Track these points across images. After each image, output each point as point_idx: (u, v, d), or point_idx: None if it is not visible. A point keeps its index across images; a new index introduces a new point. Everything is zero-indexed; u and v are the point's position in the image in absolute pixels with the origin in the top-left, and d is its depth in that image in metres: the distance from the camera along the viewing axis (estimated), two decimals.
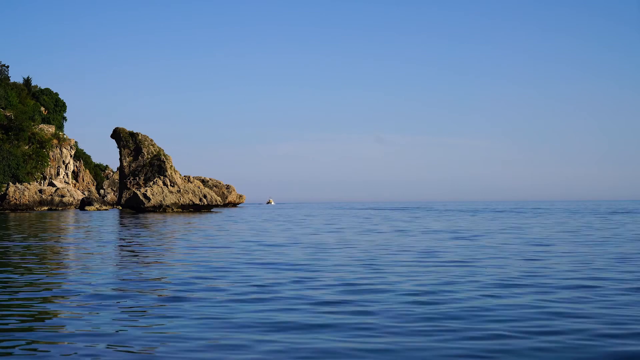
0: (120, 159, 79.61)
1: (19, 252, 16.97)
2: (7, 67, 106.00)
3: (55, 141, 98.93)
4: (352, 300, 8.94)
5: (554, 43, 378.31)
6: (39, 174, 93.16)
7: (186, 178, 76.59)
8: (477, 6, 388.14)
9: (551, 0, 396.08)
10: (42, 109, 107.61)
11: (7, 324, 7.46)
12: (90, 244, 20.16)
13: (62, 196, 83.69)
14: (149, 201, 69.19)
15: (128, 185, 77.28)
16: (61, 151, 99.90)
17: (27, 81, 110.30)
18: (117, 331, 7.08)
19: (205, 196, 73.04)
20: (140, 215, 55.67)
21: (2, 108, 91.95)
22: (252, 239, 22.23)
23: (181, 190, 72.36)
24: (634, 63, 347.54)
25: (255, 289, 9.98)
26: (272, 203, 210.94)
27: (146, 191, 70.03)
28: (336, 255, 15.77)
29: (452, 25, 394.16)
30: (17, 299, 9.15)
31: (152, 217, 47.67)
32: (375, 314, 7.93)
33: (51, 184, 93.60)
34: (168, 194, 70.90)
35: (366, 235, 24.66)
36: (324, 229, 29.55)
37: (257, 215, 56.15)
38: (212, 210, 75.09)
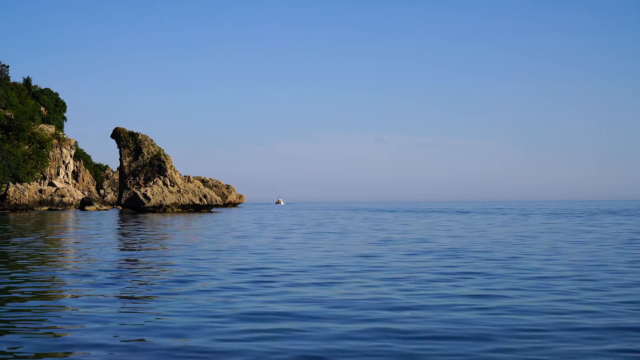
0: (120, 159, 79.60)
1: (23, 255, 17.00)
2: (7, 67, 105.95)
3: (55, 141, 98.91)
4: None
5: (554, 43, 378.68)
6: (39, 174, 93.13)
7: (186, 178, 76.60)
8: (477, 6, 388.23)
9: (551, 0, 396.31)
10: (42, 109, 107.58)
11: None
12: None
13: (62, 196, 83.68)
14: (149, 201, 69.20)
15: (128, 185, 77.28)
16: (61, 151, 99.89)
17: (27, 81, 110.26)
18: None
19: (205, 196, 73.04)
20: (142, 215, 55.71)
21: (2, 108, 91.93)
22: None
23: (181, 190, 72.38)
24: (634, 63, 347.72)
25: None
26: (282, 203, 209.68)
27: (146, 191, 70.04)
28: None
29: (452, 25, 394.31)
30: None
31: (162, 218, 47.68)
32: None
33: (51, 184, 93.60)
34: (168, 194, 70.92)
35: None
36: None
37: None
38: (212, 210, 75.10)
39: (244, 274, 11.83)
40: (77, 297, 9.31)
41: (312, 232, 27.35)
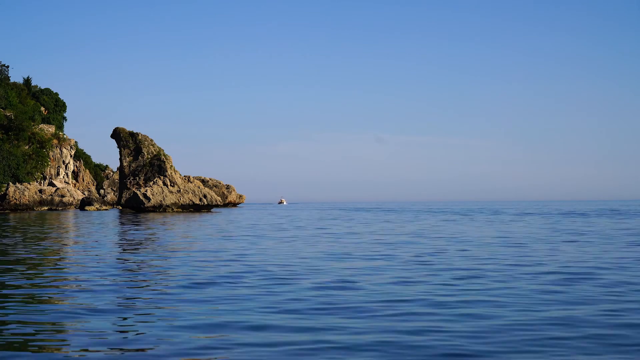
0: (120, 159, 79.58)
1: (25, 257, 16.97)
2: (7, 67, 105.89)
3: (55, 141, 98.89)
4: None
5: (554, 43, 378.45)
6: (39, 174, 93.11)
7: (186, 178, 76.59)
8: (477, 6, 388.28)
9: (551, 0, 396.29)
10: (42, 109, 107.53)
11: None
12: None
13: (62, 196, 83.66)
14: (149, 201, 69.19)
15: (128, 185, 77.26)
16: (61, 151, 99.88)
17: (27, 81, 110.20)
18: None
19: (205, 196, 73.03)
20: (142, 215, 55.70)
21: (2, 108, 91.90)
22: None
23: (181, 190, 72.36)
24: (634, 63, 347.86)
25: None
26: (285, 203, 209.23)
27: (146, 191, 70.02)
28: None
29: (452, 25, 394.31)
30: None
31: (162, 218, 47.68)
32: None
33: (51, 184, 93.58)
34: (168, 194, 70.89)
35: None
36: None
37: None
38: (212, 210, 75.10)
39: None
40: (75, 299, 9.29)
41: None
